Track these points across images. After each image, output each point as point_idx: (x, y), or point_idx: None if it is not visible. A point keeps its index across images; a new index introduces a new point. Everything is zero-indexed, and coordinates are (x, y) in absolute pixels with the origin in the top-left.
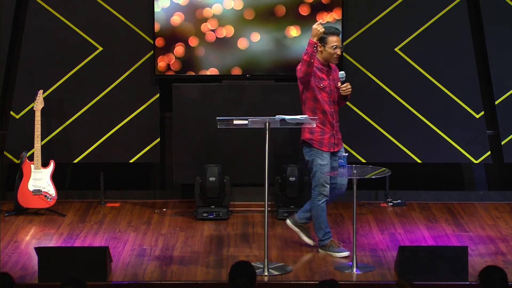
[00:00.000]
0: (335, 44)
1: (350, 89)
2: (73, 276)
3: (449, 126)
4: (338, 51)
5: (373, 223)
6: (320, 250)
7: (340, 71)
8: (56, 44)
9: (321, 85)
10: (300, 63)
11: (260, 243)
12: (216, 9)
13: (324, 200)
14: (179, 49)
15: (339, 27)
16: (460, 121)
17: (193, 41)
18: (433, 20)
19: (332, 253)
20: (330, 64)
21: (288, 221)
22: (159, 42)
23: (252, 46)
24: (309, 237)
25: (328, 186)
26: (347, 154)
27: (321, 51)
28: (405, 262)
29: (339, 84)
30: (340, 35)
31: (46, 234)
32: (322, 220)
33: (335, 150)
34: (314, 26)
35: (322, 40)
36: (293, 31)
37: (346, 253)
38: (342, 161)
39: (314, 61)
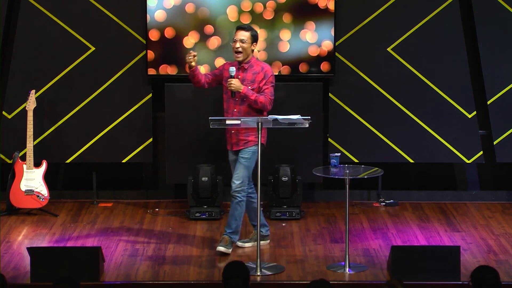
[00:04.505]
0: (234, 37)
1: (233, 85)
2: (65, 276)
3: (441, 126)
4: (235, 45)
5: (365, 223)
6: None
7: (260, 71)
8: (48, 44)
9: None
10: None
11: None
12: (210, 9)
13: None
14: (171, 49)
15: (331, 26)
16: (452, 121)
17: (185, 41)
18: (425, 20)
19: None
20: (253, 63)
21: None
22: (152, 42)
23: None
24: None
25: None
26: (339, 154)
27: None
28: (397, 261)
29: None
30: (245, 31)
31: (38, 234)
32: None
33: (234, 149)
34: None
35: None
36: (286, 32)
37: (221, 249)
38: (335, 161)
39: (195, 76)
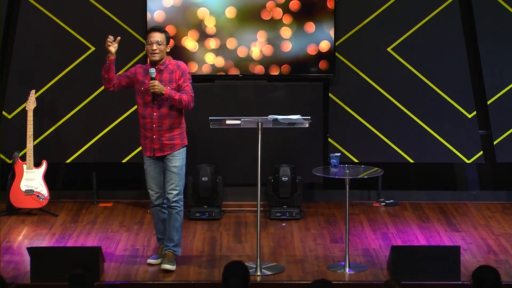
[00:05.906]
0: (149, 39)
1: (156, 88)
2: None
3: (441, 126)
4: (152, 47)
5: (365, 223)
6: None
7: (178, 71)
8: (49, 44)
9: (142, 88)
10: None
11: (253, 243)
12: (210, 9)
13: (152, 206)
14: (171, 49)
15: (331, 26)
16: (452, 121)
17: (185, 41)
18: (425, 20)
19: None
20: (167, 63)
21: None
22: None
23: (244, 46)
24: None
25: (152, 192)
26: (339, 154)
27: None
28: (397, 262)
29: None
30: (160, 32)
31: (38, 234)
32: (154, 226)
33: (158, 155)
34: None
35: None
36: (286, 31)
37: (167, 266)
38: (335, 161)
39: (110, 70)
